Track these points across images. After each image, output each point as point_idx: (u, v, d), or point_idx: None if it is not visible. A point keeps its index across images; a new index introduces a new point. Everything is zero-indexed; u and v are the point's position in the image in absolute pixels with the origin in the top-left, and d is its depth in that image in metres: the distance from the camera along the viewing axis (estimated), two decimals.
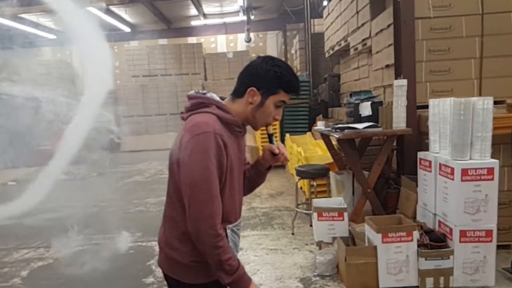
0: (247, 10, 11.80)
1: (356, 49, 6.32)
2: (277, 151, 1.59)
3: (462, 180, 2.90)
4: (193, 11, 13.04)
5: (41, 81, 13.23)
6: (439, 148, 3.25)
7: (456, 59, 4.22)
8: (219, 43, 15.15)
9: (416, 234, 3.01)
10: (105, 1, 10.55)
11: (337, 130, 3.87)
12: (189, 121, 1.45)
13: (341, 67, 8.26)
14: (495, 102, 4.10)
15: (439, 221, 3.19)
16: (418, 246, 3.03)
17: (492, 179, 2.90)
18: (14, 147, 10.48)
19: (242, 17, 12.79)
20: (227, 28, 14.74)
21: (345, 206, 3.73)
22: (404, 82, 3.70)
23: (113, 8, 12.22)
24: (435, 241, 3.06)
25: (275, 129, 8.42)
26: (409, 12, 3.97)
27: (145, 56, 13.60)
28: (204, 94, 1.52)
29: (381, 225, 3.10)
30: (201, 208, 1.35)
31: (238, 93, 1.50)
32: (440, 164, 3.15)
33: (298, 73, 11.13)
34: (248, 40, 14.12)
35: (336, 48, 7.76)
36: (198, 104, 1.49)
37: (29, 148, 10.60)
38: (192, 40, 14.78)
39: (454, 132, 2.98)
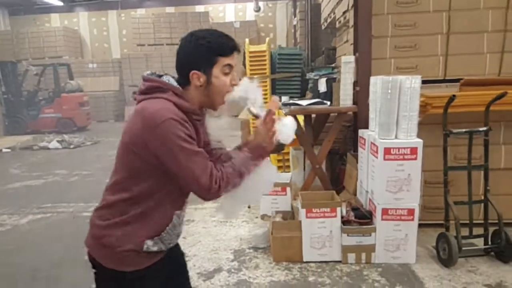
0: None
1: (340, 22, 6.17)
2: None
3: (385, 159, 2.90)
4: None
5: (47, 49, 13.51)
6: (374, 127, 3.23)
7: (422, 35, 4.08)
8: (228, 12, 14.96)
9: (340, 211, 3.05)
10: None
11: (287, 106, 3.87)
12: (143, 107, 1.34)
13: (337, 40, 8.07)
14: (460, 80, 3.99)
15: (369, 199, 3.21)
16: (343, 222, 3.08)
17: (415, 158, 2.88)
18: (16, 114, 10.91)
19: None
20: None
21: (289, 181, 3.78)
22: (351, 58, 3.65)
23: None
24: (360, 218, 3.09)
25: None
26: None
27: (151, 25, 13.56)
28: (161, 76, 1.42)
29: (311, 200, 3.15)
30: (193, 170, 1.30)
31: (184, 82, 1.42)
32: (370, 143, 3.15)
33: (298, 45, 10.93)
34: (257, 9, 13.90)
35: (328, 20, 7.58)
36: (154, 88, 1.38)
37: (31, 115, 11.00)
38: (200, 8, 14.64)
39: (381, 111, 2.95)
